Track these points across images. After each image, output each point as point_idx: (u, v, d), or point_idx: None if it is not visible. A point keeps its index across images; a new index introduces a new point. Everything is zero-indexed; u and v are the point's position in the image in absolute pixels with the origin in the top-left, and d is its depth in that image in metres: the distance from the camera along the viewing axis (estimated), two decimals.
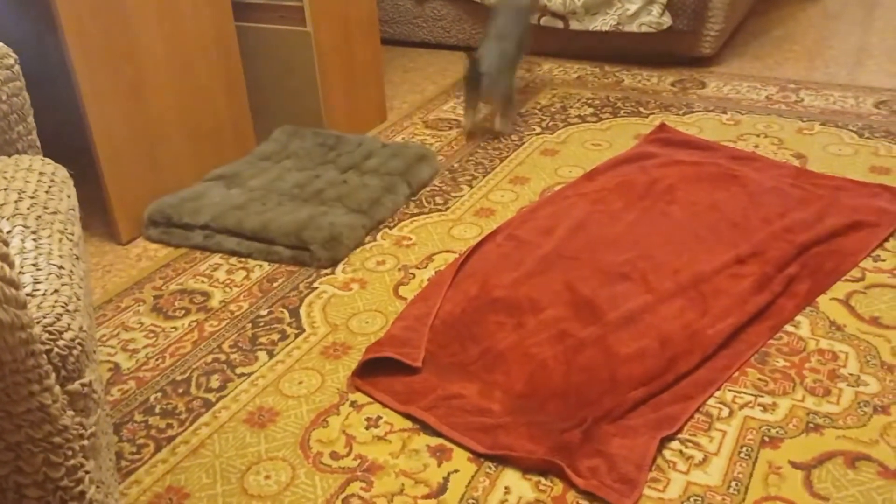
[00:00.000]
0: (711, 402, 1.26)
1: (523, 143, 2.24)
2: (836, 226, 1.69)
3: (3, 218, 0.99)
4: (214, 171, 2.01)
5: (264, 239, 1.73)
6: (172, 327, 1.53)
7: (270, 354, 1.43)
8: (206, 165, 2.02)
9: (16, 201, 1.04)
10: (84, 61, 1.66)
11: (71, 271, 0.96)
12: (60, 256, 0.97)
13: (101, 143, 1.74)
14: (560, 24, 2.79)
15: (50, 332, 0.80)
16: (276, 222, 1.75)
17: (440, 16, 3.05)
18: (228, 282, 1.66)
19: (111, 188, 1.79)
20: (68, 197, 1.13)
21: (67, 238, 1.04)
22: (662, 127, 2.24)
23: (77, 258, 1.03)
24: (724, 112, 2.36)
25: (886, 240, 1.66)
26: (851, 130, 2.18)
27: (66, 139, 1.76)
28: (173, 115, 1.90)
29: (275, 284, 1.65)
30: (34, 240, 0.99)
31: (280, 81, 2.23)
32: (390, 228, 1.84)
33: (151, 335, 1.51)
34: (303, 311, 1.55)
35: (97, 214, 1.91)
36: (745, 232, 1.69)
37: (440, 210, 1.91)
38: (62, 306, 0.86)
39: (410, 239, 1.79)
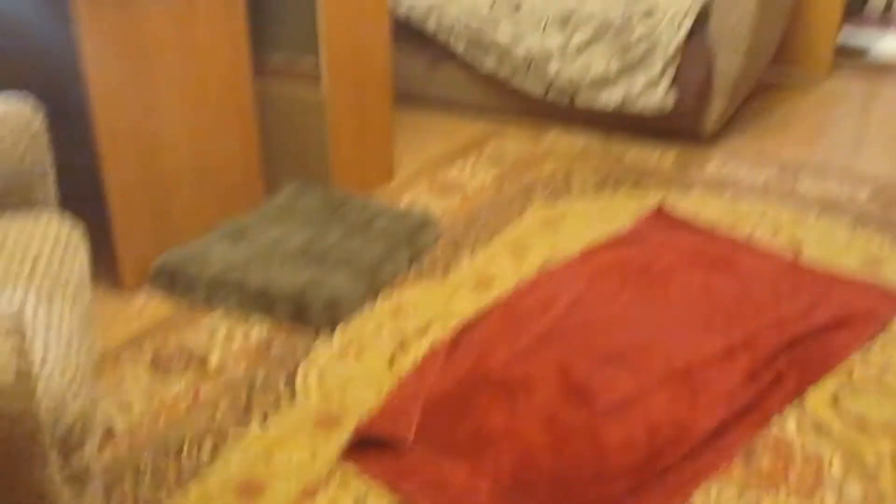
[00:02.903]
0: (696, 496, 1.28)
1: (525, 212, 2.29)
2: (826, 321, 1.72)
3: (16, 286, 1.02)
4: (223, 225, 2.05)
5: (266, 298, 1.76)
6: (168, 387, 1.55)
7: (263, 421, 1.45)
8: (216, 218, 2.06)
9: (30, 268, 1.07)
10: (106, 114, 1.71)
11: (80, 342, 1.00)
12: (70, 327, 1.00)
13: (114, 192, 1.78)
14: (566, 100, 2.86)
15: (55, 413, 0.83)
16: (278, 282, 1.78)
17: (453, 80, 3.12)
18: (227, 341, 1.69)
19: (120, 237, 1.83)
20: (81, 263, 1.17)
21: (78, 305, 1.07)
22: (661, 207, 2.29)
23: (87, 325, 1.06)
24: (723, 194, 2.41)
25: (874, 338, 1.69)
26: (846, 221, 2.22)
27: (79, 178, 1.80)
28: (187, 167, 1.95)
29: (272, 347, 1.67)
30: (46, 307, 1.02)
31: (292, 138, 2.28)
32: (390, 294, 1.87)
33: (147, 395, 1.53)
34: (298, 378, 1.57)
35: (104, 261, 1.94)
36: (737, 321, 1.73)
37: (440, 278, 1.94)
38: (68, 383, 0.88)
39: (409, 307, 1.82)
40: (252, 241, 1.97)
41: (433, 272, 1.97)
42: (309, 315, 1.72)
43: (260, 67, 2.24)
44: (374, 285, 1.86)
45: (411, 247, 2.02)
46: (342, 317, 1.75)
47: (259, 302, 1.76)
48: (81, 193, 1.75)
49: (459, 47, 3.00)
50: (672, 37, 2.64)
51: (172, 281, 1.85)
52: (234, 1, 1.98)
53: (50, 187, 1.35)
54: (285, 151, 2.31)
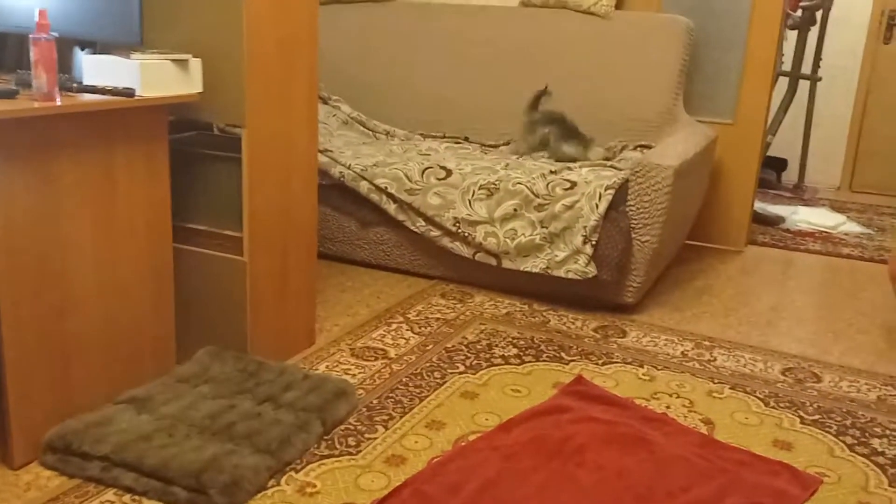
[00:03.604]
0: None
1: (445, 381, 2.27)
2: None
3: None
4: (128, 392, 1.98)
5: (163, 478, 1.68)
6: None
7: None
8: (121, 385, 2.00)
9: None
10: (7, 271, 1.68)
11: None
12: None
13: (10, 356, 1.71)
14: (493, 262, 2.93)
15: None
16: (178, 460, 1.71)
17: (382, 240, 3.18)
18: None
19: (14, 408, 1.75)
20: None
21: None
22: (580, 379, 2.30)
23: None
24: (641, 366, 2.44)
25: None
26: (758, 398, 2.26)
27: None
28: (94, 333, 1.90)
29: None
30: None
31: (210, 303, 2.26)
32: (296, 472, 1.80)
33: None
34: None
35: None
36: None
37: (351, 454, 1.89)
38: None
39: (315, 486, 1.75)
40: (156, 412, 1.90)
41: (345, 448, 1.91)
42: (207, 498, 1.64)
43: (182, 231, 2.26)
44: (280, 462, 1.80)
45: (324, 420, 1.97)
46: (242, 499, 1.67)
47: (155, 483, 1.68)
48: None
49: (390, 209, 3.08)
50: (592, 210, 2.75)
51: (65, 456, 1.75)
52: (157, 169, 2.01)
53: None
54: (202, 316, 2.28)
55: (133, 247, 1.98)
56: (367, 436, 1.97)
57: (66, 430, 1.79)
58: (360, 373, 2.31)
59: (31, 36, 1.71)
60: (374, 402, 2.14)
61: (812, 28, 4.87)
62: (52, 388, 1.83)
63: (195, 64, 2.03)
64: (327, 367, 2.34)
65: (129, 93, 1.86)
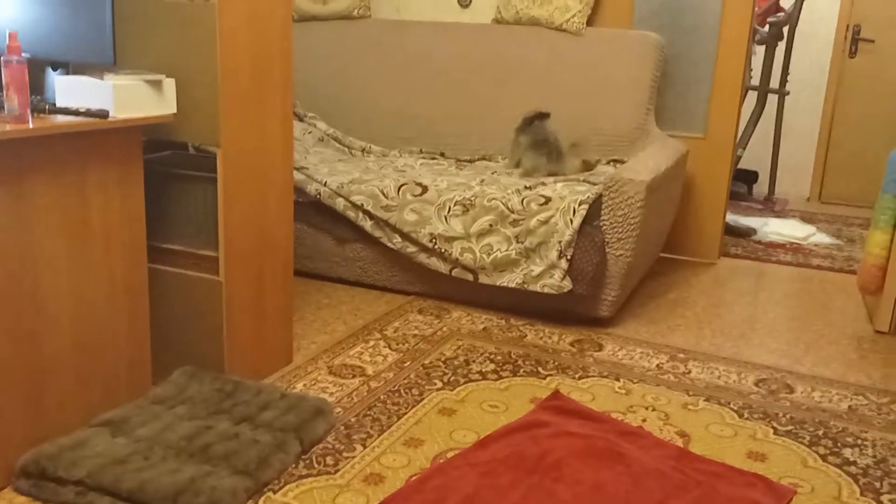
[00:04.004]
0: None
1: (423, 398, 2.28)
2: None
3: None
4: (103, 415, 1.96)
5: (139, 501, 1.67)
6: None
7: None
8: (97, 407, 1.98)
9: None
10: None
11: None
12: None
13: None
14: (470, 277, 2.94)
15: None
16: (154, 483, 1.69)
17: (359, 257, 3.18)
18: None
19: None
20: None
21: None
22: (556, 394, 2.32)
23: None
24: (618, 379, 2.46)
25: None
26: (733, 409, 2.29)
27: None
28: (68, 355, 1.89)
29: None
30: None
31: (186, 323, 2.25)
32: (274, 492, 1.80)
33: None
34: None
35: None
36: None
37: (329, 472, 1.88)
38: None
39: None
40: (132, 434, 1.89)
41: (323, 467, 1.91)
42: None
43: (157, 251, 2.25)
44: (258, 482, 1.79)
45: (302, 439, 1.96)
46: None
47: None
48: None
49: (367, 226, 3.08)
50: (567, 225, 2.78)
51: (40, 482, 1.73)
52: (131, 189, 2.01)
53: None
54: (179, 336, 2.27)
55: (108, 268, 1.97)
56: (345, 454, 1.97)
57: (40, 454, 1.77)
58: (337, 391, 2.31)
59: (2, 58, 1.70)
60: (352, 420, 2.14)
61: (779, 43, 4.96)
62: (26, 411, 1.81)
63: (169, 84, 2.03)
64: (305, 385, 2.34)
65: (102, 114, 1.86)
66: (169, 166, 2.30)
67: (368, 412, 2.19)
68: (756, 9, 4.57)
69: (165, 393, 2.10)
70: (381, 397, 2.27)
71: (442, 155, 3.73)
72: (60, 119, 1.82)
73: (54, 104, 1.92)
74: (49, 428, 1.86)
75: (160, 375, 2.20)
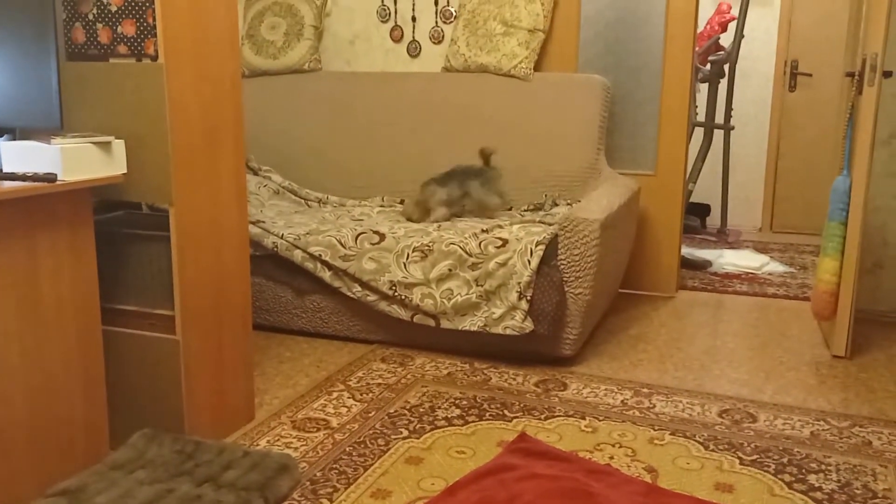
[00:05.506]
0: None
1: (389, 448, 2.25)
2: None
3: None
4: (59, 484, 1.90)
5: None
6: None
7: None
8: (52, 476, 1.92)
9: None
10: None
11: None
12: None
13: None
14: (432, 323, 2.94)
15: None
16: None
17: (319, 308, 3.16)
18: None
19: None
20: None
21: None
22: (523, 436, 2.31)
23: None
24: (583, 417, 2.46)
25: None
26: (698, 441, 2.31)
27: None
28: (21, 423, 1.83)
29: None
30: None
31: (143, 384, 2.20)
32: None
33: None
34: None
35: None
36: None
37: None
38: None
39: None
40: (91, 501, 1.83)
41: None
42: None
43: (111, 313, 2.21)
44: None
45: (267, 497, 1.92)
46: None
47: None
48: None
49: (326, 276, 3.07)
50: (525, 266, 2.81)
51: None
52: (82, 251, 1.98)
53: None
54: (136, 398, 2.22)
55: (60, 332, 1.93)
56: None
57: None
58: (302, 445, 2.27)
59: None
60: (318, 474, 2.11)
61: (722, 80, 5.12)
62: None
63: (118, 145, 2.02)
64: (268, 441, 2.30)
65: (50, 178, 1.84)
66: (122, 226, 2.28)
67: (334, 465, 2.15)
68: (696, 48, 4.73)
69: (124, 457, 2.04)
70: (347, 449, 2.24)
71: (402, 202, 3.75)
72: (7, 185, 1.80)
73: (1, 170, 1.90)
74: (2, 500, 1.80)
75: (118, 439, 2.15)
